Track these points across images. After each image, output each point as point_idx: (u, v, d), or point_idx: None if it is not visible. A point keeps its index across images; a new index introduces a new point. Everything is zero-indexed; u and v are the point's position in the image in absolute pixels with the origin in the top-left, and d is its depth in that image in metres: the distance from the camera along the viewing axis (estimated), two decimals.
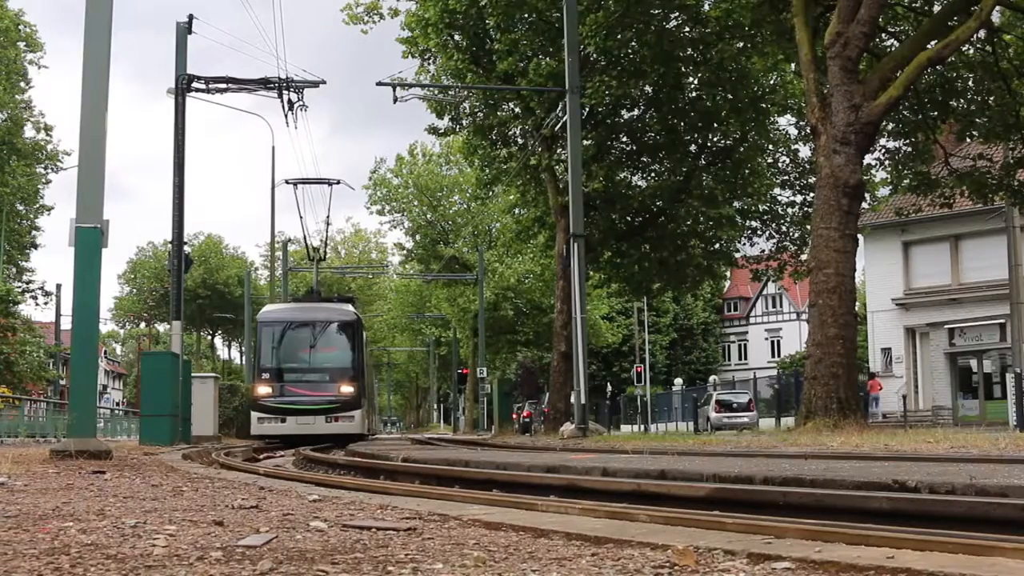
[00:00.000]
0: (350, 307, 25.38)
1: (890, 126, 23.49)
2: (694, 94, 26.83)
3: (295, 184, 27.52)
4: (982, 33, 20.54)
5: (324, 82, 20.42)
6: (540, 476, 7.14)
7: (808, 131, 19.69)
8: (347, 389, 23.00)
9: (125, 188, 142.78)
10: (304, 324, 23.92)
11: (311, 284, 29.83)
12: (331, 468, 11.33)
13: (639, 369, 50.36)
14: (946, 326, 35.19)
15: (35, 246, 47.08)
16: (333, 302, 26.76)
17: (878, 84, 16.83)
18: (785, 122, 28.11)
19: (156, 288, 78.43)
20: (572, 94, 20.65)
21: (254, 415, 23.10)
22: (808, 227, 23.45)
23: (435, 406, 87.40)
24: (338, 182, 27.51)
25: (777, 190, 28.72)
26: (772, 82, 26.26)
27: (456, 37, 25.53)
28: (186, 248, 20.21)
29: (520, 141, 27.48)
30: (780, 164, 28.68)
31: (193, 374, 20.23)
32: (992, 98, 22.89)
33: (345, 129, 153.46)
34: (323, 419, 22.54)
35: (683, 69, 25.60)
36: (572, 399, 21.44)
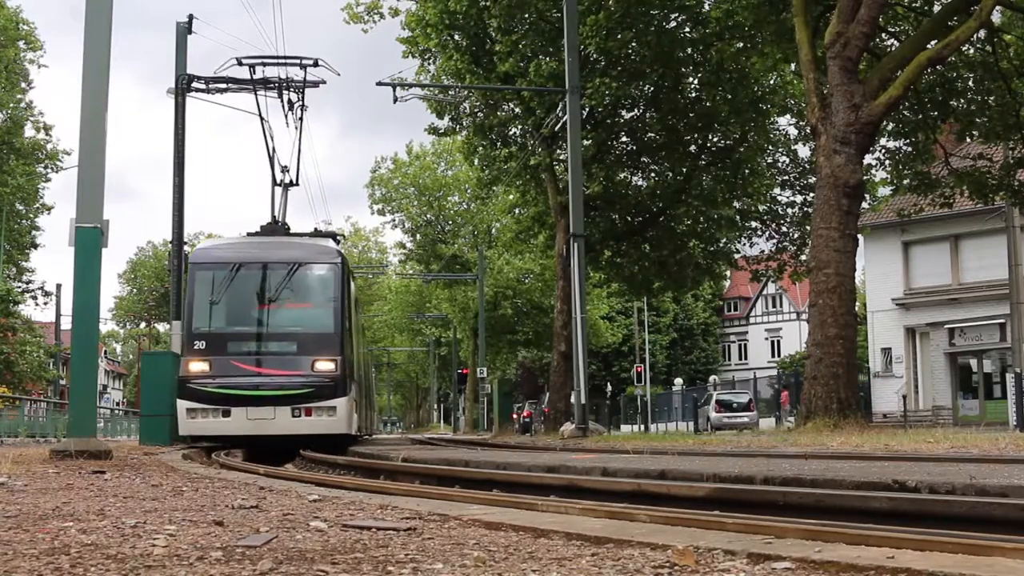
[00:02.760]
0: (331, 243, 17.20)
1: (890, 126, 23.48)
2: (694, 94, 26.84)
3: (251, 66, 18.51)
4: (982, 33, 20.54)
5: (324, 82, 20.38)
6: (540, 476, 7.14)
7: (808, 131, 19.69)
8: (325, 365, 15.47)
9: (129, 188, 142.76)
10: (260, 267, 15.98)
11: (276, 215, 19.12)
12: (331, 468, 11.34)
13: (639, 369, 50.37)
14: (946, 326, 35.19)
15: (35, 246, 47.13)
16: (307, 237, 18.06)
17: (878, 84, 16.82)
18: (785, 122, 28.15)
19: (156, 288, 78.46)
20: (572, 94, 20.65)
21: (181, 405, 15.21)
22: (808, 227, 23.44)
23: (435, 406, 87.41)
24: (315, 63, 18.86)
25: (777, 190, 28.74)
26: (772, 82, 26.25)
27: (456, 37, 25.54)
28: (186, 248, 20.22)
29: (520, 141, 27.48)
30: (780, 164, 28.68)
31: None
32: (992, 98, 22.87)
33: (354, 130, 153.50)
34: (288, 412, 15.13)
35: (683, 69, 25.61)
36: (572, 399, 21.43)
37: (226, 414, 14.98)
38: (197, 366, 15.31)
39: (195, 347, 15.45)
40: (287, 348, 15.66)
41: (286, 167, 19.34)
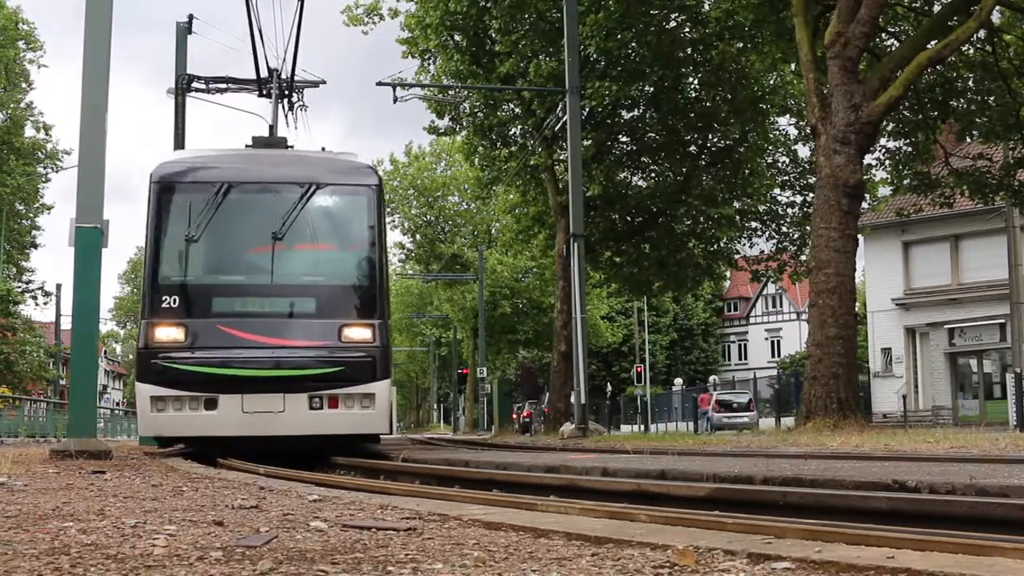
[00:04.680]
0: (360, 160, 12.41)
1: (890, 126, 23.47)
2: (694, 94, 26.85)
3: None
4: (982, 33, 20.53)
5: (324, 82, 20.38)
6: (540, 476, 7.15)
7: (808, 131, 19.69)
8: (359, 333, 11.02)
9: (132, 189, 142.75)
10: (260, 189, 11.64)
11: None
12: (330, 468, 11.27)
13: (639, 369, 50.36)
14: (946, 326, 35.18)
15: (35, 246, 47.15)
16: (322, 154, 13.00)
17: (878, 84, 16.83)
18: (785, 122, 28.14)
19: None
20: (572, 94, 20.65)
21: (142, 392, 10.78)
22: (808, 227, 23.45)
23: (435, 406, 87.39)
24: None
25: (777, 190, 28.73)
26: (772, 82, 26.26)
27: (456, 38, 25.56)
28: None
29: (520, 141, 27.49)
30: (780, 164, 28.68)
31: None
32: (992, 98, 22.88)
33: (360, 131, 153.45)
34: (304, 402, 10.72)
35: (683, 69, 25.62)
36: (572, 399, 21.43)
37: (211, 405, 10.48)
38: (166, 333, 10.62)
39: (163, 305, 10.71)
40: (303, 307, 11.18)
41: (274, 69, 16.60)
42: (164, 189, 11.41)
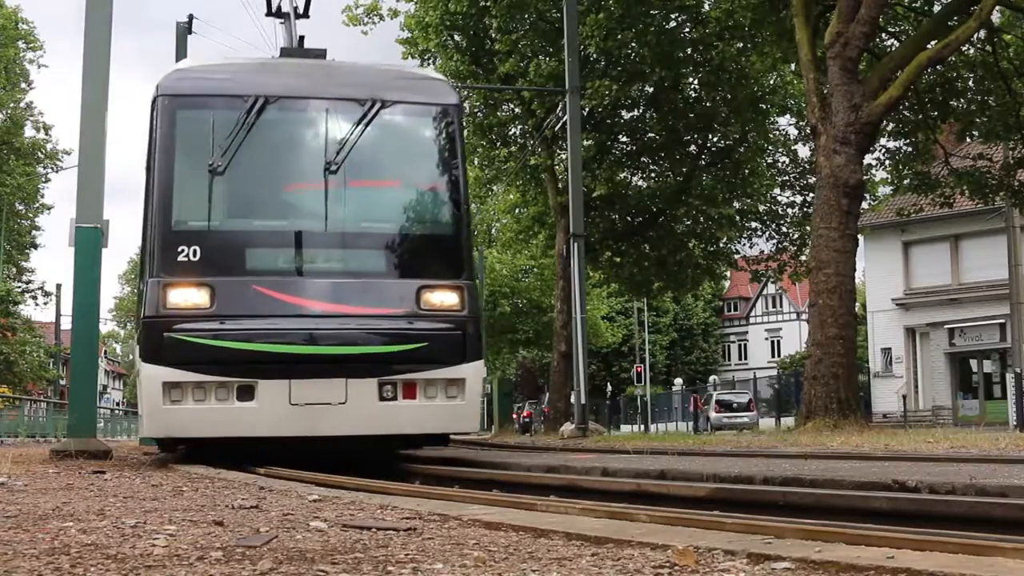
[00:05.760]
0: (435, 74, 11.21)
1: (890, 126, 23.48)
2: (694, 94, 26.86)
3: None
4: (982, 33, 20.53)
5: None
6: (540, 476, 7.15)
7: (808, 131, 19.70)
8: (444, 297, 8.68)
9: (137, 188, 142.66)
10: (305, 106, 9.14)
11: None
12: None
13: (639, 369, 50.37)
14: (946, 326, 35.19)
15: (35, 246, 47.18)
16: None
17: (878, 84, 16.83)
18: (785, 122, 28.19)
19: None
20: (572, 94, 20.65)
21: (151, 375, 8.09)
22: (808, 227, 23.45)
23: None
24: None
25: (777, 190, 28.74)
26: (772, 82, 26.28)
27: (456, 38, 25.56)
28: None
29: (520, 141, 27.49)
30: (780, 164, 28.70)
31: None
32: (992, 98, 22.88)
33: None
34: (373, 389, 8.28)
35: (683, 69, 25.62)
36: (572, 399, 21.43)
37: (246, 394, 8.01)
38: (185, 296, 8.11)
39: (179, 259, 8.19)
40: (367, 263, 8.81)
41: None
42: (177, 105, 8.73)
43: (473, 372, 8.62)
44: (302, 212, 8.89)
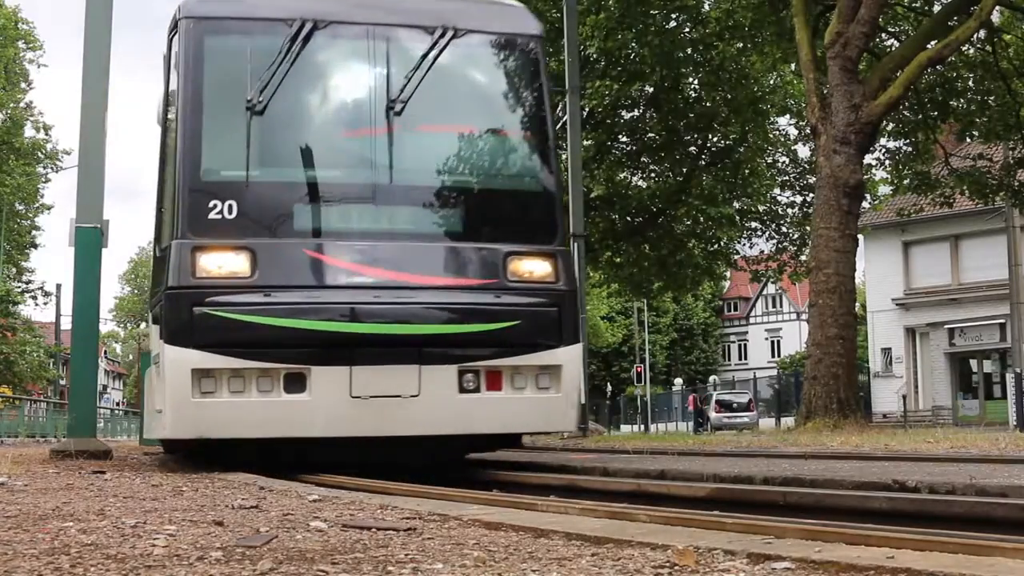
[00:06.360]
0: (516, 4, 8.54)
1: (890, 126, 23.49)
2: (694, 95, 26.86)
3: None
4: (982, 33, 20.55)
5: None
6: (540, 476, 7.14)
7: (808, 131, 19.70)
8: (536, 266, 7.25)
9: (142, 188, 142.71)
10: (362, 33, 7.43)
11: None
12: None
13: (639, 369, 50.39)
14: (946, 326, 35.20)
15: (35, 246, 47.18)
16: None
17: (878, 84, 16.84)
18: (785, 122, 28.15)
19: None
20: (572, 94, 20.64)
21: (177, 359, 6.58)
22: (808, 227, 23.46)
23: None
24: None
25: (777, 190, 28.75)
26: (772, 82, 26.29)
27: None
28: None
29: None
30: (780, 164, 28.70)
31: None
32: (992, 98, 22.90)
33: None
34: (452, 379, 6.85)
35: (683, 70, 25.63)
36: None
37: (296, 384, 6.66)
38: (219, 261, 6.76)
39: (210, 216, 6.81)
40: (443, 223, 7.46)
41: None
42: (205, 29, 7.30)
43: (570, 358, 7.25)
44: (362, 160, 7.35)
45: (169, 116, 7.72)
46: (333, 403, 6.69)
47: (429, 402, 6.81)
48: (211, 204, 6.82)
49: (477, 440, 7.66)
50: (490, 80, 7.98)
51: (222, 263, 6.76)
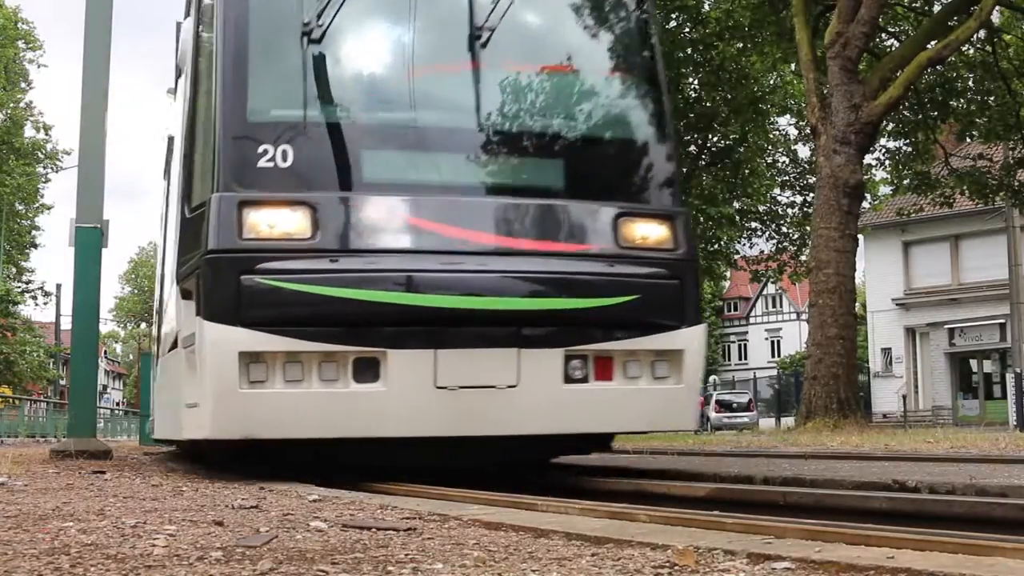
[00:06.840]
0: None
1: (890, 126, 23.50)
2: (694, 94, 26.86)
3: None
4: (982, 33, 20.56)
5: None
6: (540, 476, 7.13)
7: (808, 131, 19.70)
8: (653, 231, 5.96)
9: (143, 188, 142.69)
10: None
11: None
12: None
13: None
14: (946, 326, 35.20)
15: (35, 246, 47.21)
16: None
17: (878, 84, 16.84)
18: (785, 122, 28.16)
19: None
20: None
21: (219, 341, 5.23)
22: (808, 227, 23.46)
23: None
24: None
25: (777, 190, 28.76)
26: (772, 82, 26.29)
27: None
28: None
29: None
30: (780, 164, 28.71)
31: None
32: (992, 98, 22.92)
33: None
34: (557, 365, 5.56)
35: (683, 70, 25.62)
36: None
37: (367, 371, 5.44)
38: (273, 219, 5.46)
39: (259, 164, 5.53)
40: (542, 177, 6.23)
41: None
42: None
43: (693, 342, 6.00)
44: (444, 100, 6.23)
45: (203, 45, 6.45)
46: (414, 395, 5.44)
47: (529, 394, 5.57)
48: (261, 150, 5.51)
49: (575, 441, 6.41)
50: (594, 15, 6.83)
51: (276, 221, 5.44)
